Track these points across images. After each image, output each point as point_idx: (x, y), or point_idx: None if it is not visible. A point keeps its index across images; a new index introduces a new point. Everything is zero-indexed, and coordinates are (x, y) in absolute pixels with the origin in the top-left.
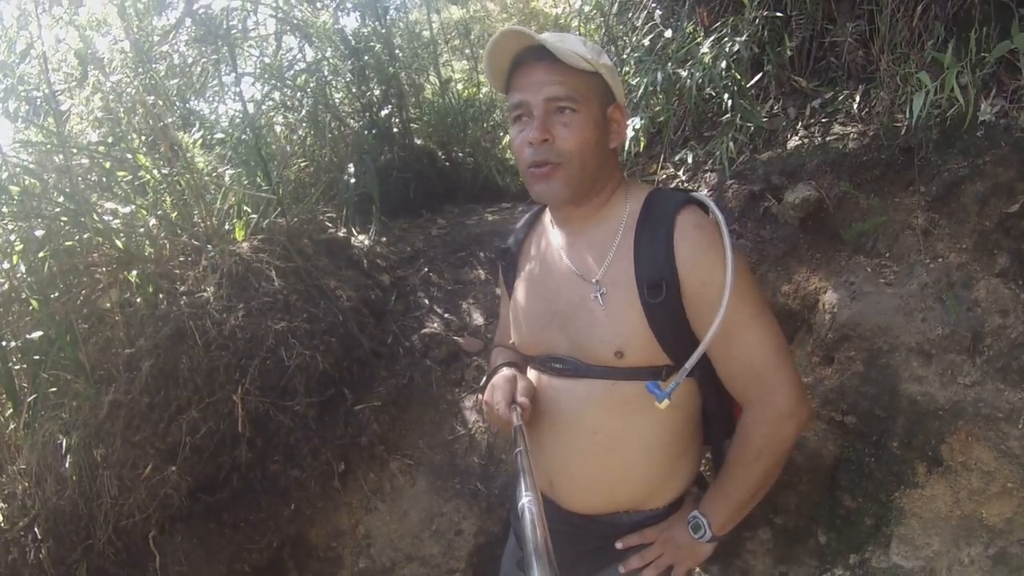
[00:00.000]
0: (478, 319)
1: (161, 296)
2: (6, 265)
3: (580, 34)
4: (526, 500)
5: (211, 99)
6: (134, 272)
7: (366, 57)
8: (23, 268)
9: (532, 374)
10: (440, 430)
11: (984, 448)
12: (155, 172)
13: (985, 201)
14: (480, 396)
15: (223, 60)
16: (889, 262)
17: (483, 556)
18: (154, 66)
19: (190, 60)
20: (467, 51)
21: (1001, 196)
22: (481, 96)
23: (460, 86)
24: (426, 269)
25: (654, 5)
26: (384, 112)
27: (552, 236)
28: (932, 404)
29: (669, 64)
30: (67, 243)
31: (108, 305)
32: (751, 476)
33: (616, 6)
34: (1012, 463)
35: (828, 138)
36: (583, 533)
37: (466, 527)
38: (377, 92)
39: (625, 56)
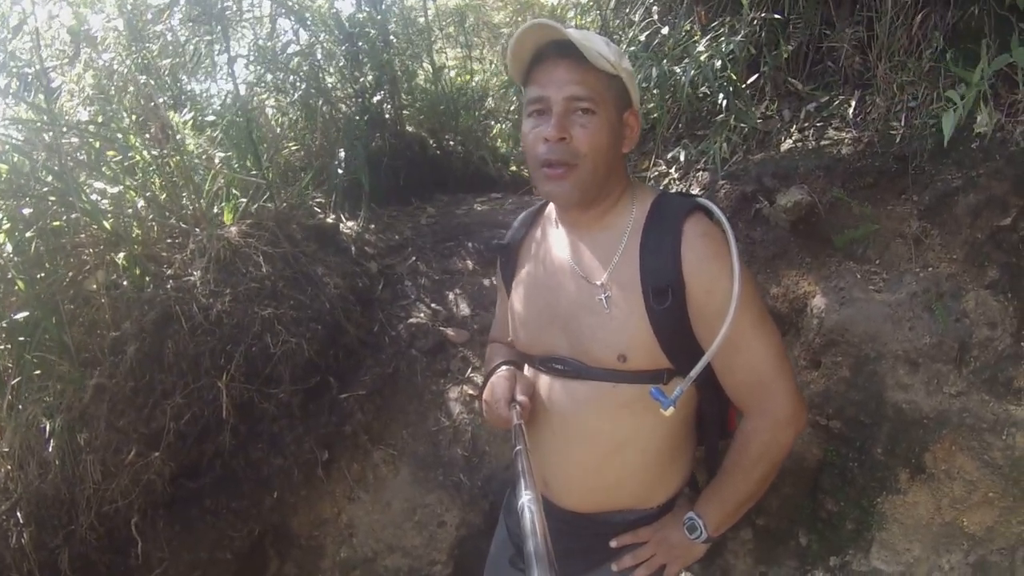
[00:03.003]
0: (465, 310)
1: (148, 279)
2: None
3: (576, 27)
4: (526, 499)
5: (203, 79)
6: (121, 254)
7: (360, 43)
8: (10, 247)
9: (531, 373)
10: (424, 421)
11: (967, 458)
12: (144, 153)
13: (978, 213)
14: (465, 388)
15: (217, 40)
16: (879, 269)
17: (465, 548)
18: (147, 45)
19: (183, 39)
20: (461, 39)
21: (994, 209)
22: (473, 84)
23: (453, 73)
24: (414, 258)
25: (651, 1)
26: (376, 98)
27: (555, 236)
28: (917, 412)
29: (665, 61)
30: (55, 223)
31: (94, 287)
32: (749, 480)
33: (613, 1)
34: (994, 473)
35: (822, 142)
36: (577, 531)
37: (448, 519)
38: (370, 78)
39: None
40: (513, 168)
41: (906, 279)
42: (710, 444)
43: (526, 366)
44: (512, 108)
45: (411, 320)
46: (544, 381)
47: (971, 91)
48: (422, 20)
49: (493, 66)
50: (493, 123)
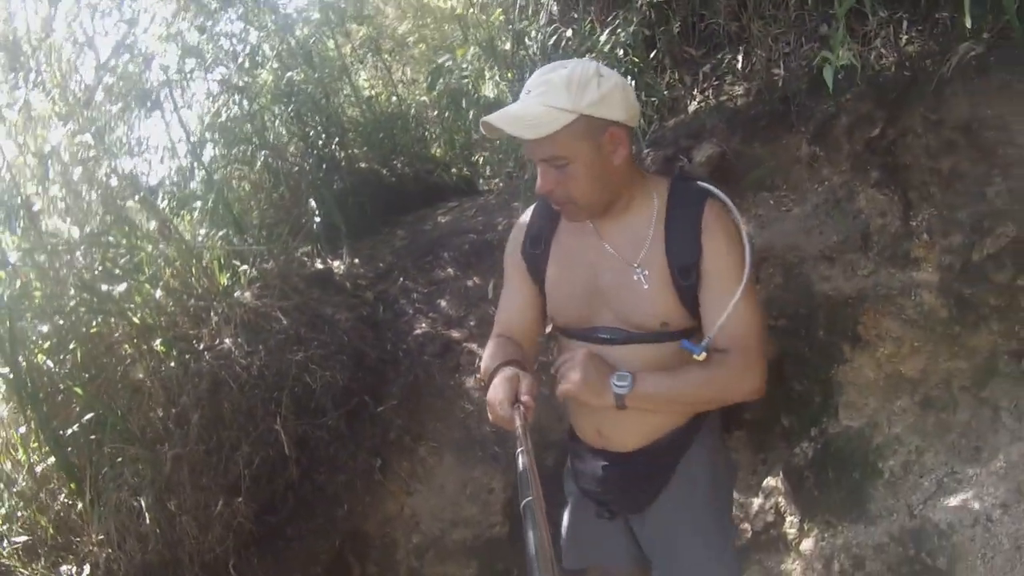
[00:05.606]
0: (459, 311)
1: (187, 356)
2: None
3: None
4: (528, 501)
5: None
6: (157, 341)
7: (301, 98)
8: (50, 363)
9: (574, 344)
10: (452, 412)
11: (890, 320)
12: (149, 248)
13: (852, 131)
14: (477, 376)
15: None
16: (786, 192)
17: (516, 507)
18: (114, 151)
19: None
20: (379, 64)
21: (864, 125)
22: (394, 100)
23: (382, 98)
24: (401, 279)
25: (551, 4)
26: (328, 148)
27: (584, 226)
28: (841, 295)
29: (573, 57)
30: (92, 330)
31: (141, 376)
32: (687, 390)
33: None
34: (914, 327)
35: (721, 98)
36: (638, 465)
37: (495, 485)
38: (320, 130)
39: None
40: (454, 170)
41: (809, 196)
42: None
43: (566, 339)
44: (435, 114)
45: (416, 332)
46: (591, 350)
47: (837, 34)
48: (334, 54)
49: (409, 78)
50: (428, 137)
